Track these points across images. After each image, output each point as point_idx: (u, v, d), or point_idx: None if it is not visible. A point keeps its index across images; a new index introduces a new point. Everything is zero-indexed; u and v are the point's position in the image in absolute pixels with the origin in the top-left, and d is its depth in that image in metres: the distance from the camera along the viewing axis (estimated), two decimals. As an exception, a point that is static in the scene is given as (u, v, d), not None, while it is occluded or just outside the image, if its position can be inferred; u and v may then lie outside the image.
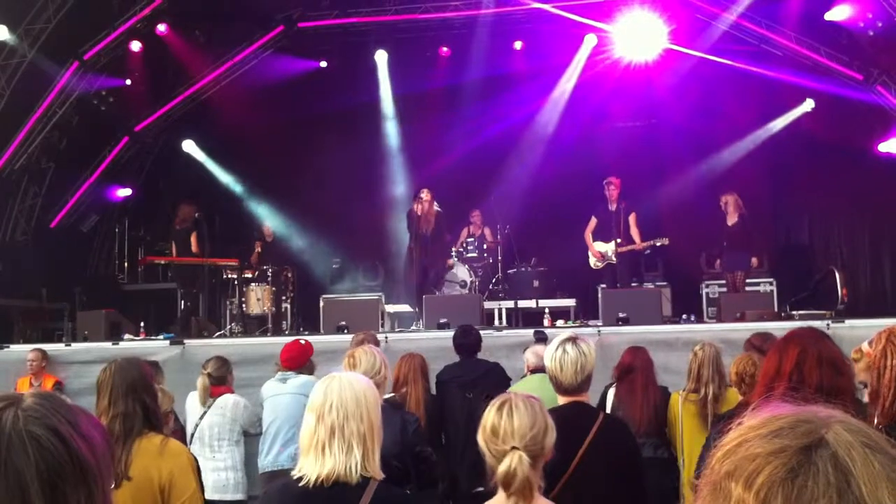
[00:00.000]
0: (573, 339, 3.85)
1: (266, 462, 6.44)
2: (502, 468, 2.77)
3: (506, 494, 2.78)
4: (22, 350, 9.49)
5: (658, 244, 11.63)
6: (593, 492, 3.45)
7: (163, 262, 12.74)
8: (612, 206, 11.85)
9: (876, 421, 2.97)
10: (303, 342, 6.69)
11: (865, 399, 3.20)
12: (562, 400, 3.84)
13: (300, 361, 6.46)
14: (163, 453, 3.61)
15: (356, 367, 4.51)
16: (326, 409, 2.85)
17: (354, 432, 2.81)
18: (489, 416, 2.89)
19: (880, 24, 11.82)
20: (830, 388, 2.97)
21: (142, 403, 3.64)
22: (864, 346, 3.26)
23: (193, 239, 12.28)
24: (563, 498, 3.27)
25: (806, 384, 2.96)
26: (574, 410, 3.80)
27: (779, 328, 6.89)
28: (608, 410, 5.78)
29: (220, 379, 6.32)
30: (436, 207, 11.96)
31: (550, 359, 3.81)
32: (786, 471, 0.99)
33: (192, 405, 6.53)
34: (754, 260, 12.18)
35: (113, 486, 1.40)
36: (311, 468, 2.83)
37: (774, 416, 1.07)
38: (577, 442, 3.62)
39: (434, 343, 8.21)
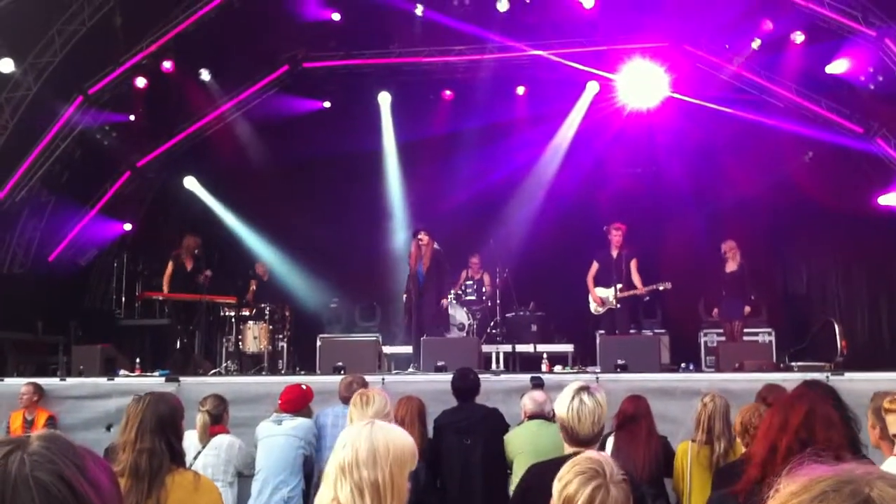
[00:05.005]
0: (587, 389, 3.70)
1: (257, 504, 6.34)
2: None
3: None
4: (16, 383, 9.34)
5: (661, 288, 11.57)
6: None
7: (161, 297, 12.70)
8: (615, 252, 11.82)
9: None
10: (304, 387, 6.64)
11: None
12: (570, 449, 3.68)
13: (299, 405, 6.41)
14: (198, 489, 3.62)
15: (369, 405, 4.45)
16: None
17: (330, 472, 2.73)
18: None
19: (881, 78, 11.94)
20: (838, 444, 2.92)
21: (167, 441, 3.63)
22: None
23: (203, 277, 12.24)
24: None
25: (815, 440, 2.92)
26: None
27: (778, 379, 6.86)
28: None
29: (217, 417, 6.26)
30: (435, 246, 11.85)
31: (567, 409, 3.65)
32: None
33: (188, 444, 6.44)
34: (746, 308, 12.13)
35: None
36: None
37: (814, 480, 1.05)
38: None
39: (432, 386, 8.14)
